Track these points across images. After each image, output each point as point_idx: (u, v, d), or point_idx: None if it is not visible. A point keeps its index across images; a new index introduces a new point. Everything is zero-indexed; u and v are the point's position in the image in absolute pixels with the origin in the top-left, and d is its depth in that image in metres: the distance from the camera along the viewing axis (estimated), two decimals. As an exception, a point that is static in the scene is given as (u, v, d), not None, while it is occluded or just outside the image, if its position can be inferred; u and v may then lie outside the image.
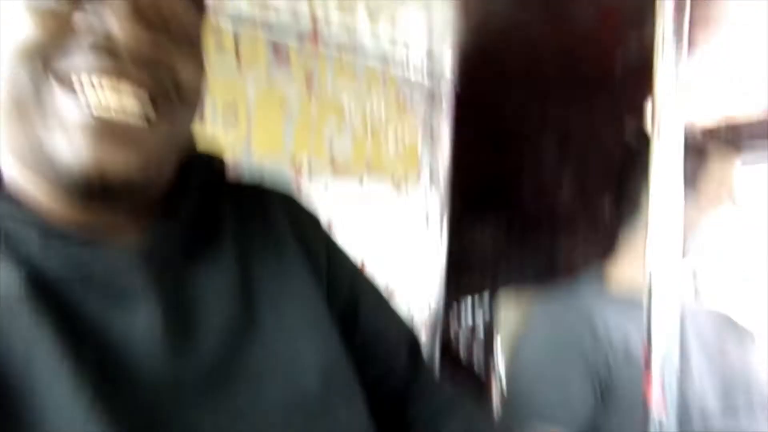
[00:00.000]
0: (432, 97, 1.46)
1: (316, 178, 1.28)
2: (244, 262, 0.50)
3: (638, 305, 0.76)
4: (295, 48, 1.29)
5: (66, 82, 0.37)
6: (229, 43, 1.21)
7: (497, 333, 1.33)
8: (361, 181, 1.34)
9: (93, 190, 0.38)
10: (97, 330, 0.38)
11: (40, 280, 0.37)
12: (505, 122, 1.56)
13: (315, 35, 1.30)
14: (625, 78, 1.50)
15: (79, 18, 0.37)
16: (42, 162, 0.38)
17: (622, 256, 1.18)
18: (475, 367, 1.45)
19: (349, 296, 0.60)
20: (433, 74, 1.46)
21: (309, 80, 1.30)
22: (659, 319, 0.66)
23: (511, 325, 1.33)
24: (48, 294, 0.37)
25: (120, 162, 0.37)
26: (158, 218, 0.45)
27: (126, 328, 0.39)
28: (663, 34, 0.69)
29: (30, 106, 0.37)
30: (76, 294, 0.38)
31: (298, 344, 0.48)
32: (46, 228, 0.39)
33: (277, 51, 1.27)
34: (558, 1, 1.12)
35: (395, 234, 1.38)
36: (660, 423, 0.65)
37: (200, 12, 0.47)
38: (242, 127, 1.21)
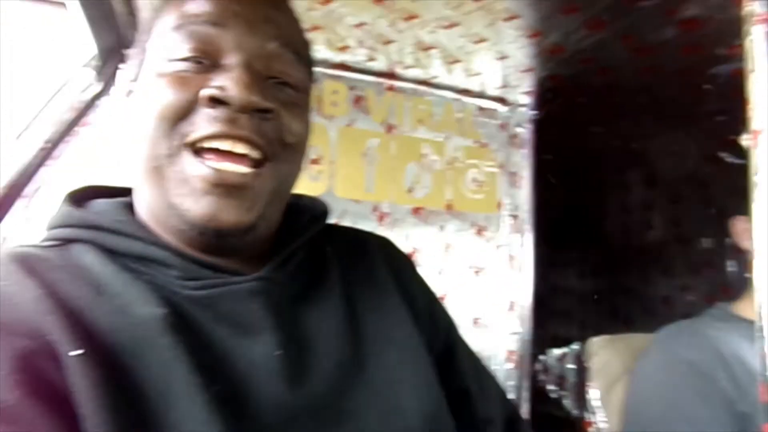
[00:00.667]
0: (509, 129, 1.43)
1: (398, 224, 1.27)
2: (350, 303, 0.52)
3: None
4: (373, 92, 1.31)
5: (192, 147, 0.43)
6: (311, 90, 1.25)
7: (591, 380, 1.25)
8: (442, 227, 1.31)
9: (208, 239, 0.44)
10: (225, 358, 0.42)
11: (177, 314, 0.42)
12: (587, 157, 1.51)
13: (392, 78, 1.32)
14: (715, 109, 1.42)
15: (204, 86, 0.43)
16: (168, 215, 0.44)
17: (748, 293, 1.11)
18: (568, 415, 1.36)
19: (445, 344, 0.61)
20: (509, 103, 1.43)
21: (387, 123, 1.31)
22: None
23: (609, 373, 1.25)
24: (184, 325, 0.42)
25: (231, 214, 0.43)
26: (272, 258, 0.49)
27: (249, 358, 0.42)
28: (754, 64, 0.67)
29: (164, 167, 0.43)
30: (207, 326, 0.43)
31: (402, 388, 0.49)
32: (181, 270, 0.44)
33: (357, 96, 1.30)
34: (641, 32, 1.08)
35: (478, 278, 1.33)
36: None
37: (309, 70, 0.51)
38: (325, 175, 1.23)
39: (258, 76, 0.44)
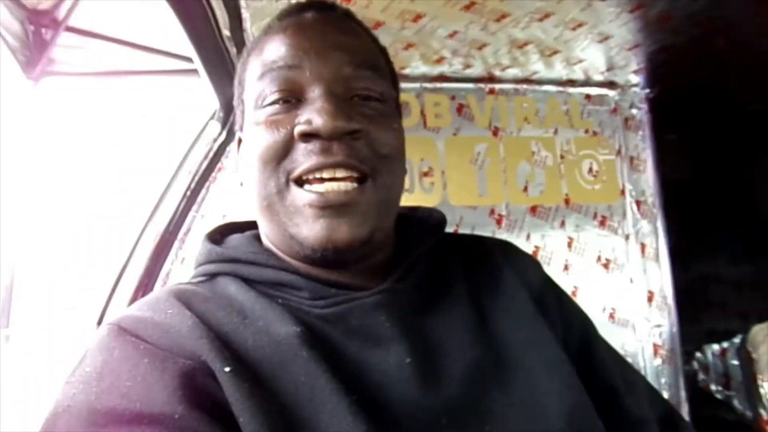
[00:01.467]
0: (622, 113, 1.36)
1: (517, 225, 1.25)
2: (478, 308, 0.53)
3: None
4: (474, 98, 1.32)
5: (297, 180, 0.47)
6: (413, 104, 1.29)
7: (762, 373, 1.13)
8: (563, 222, 1.27)
9: (329, 258, 0.47)
10: (360, 368, 0.44)
11: (311, 331, 0.45)
12: (718, 129, 1.38)
13: (491, 82, 1.32)
14: None
15: (296, 122, 0.47)
16: (290, 244, 0.49)
17: None
18: (741, 416, 1.23)
19: (581, 341, 0.59)
20: (618, 85, 1.36)
21: (493, 127, 1.31)
22: None
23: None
24: (318, 340, 0.44)
25: (344, 232, 0.46)
26: (395, 271, 0.50)
27: (382, 368, 0.44)
28: None
29: (276, 204, 0.48)
30: (339, 340, 0.45)
31: (542, 389, 0.48)
32: (310, 292, 0.48)
33: (459, 105, 1.31)
34: None
35: (609, 271, 1.26)
36: None
37: (391, 79, 0.54)
38: (438, 185, 1.25)
39: (340, 100, 0.47)
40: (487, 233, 1.23)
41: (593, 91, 1.36)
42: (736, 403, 1.29)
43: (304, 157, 0.46)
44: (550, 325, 0.53)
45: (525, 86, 1.35)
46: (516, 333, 0.51)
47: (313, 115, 0.46)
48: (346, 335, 0.45)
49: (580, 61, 1.25)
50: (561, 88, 1.36)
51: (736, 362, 1.29)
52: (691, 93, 1.40)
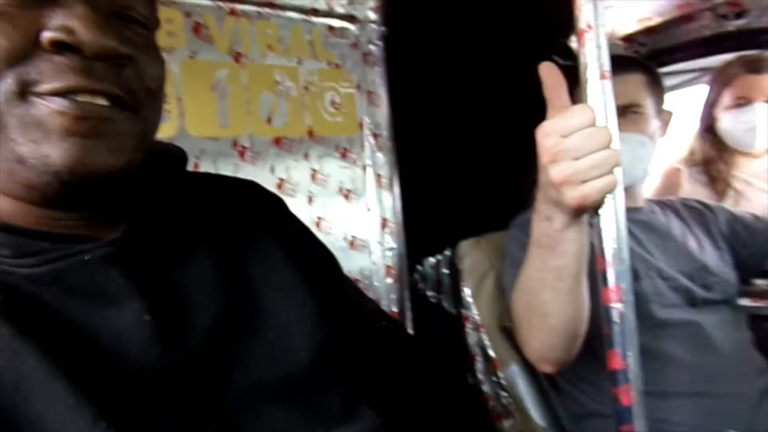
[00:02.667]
0: (361, 47, 1.41)
1: (261, 157, 1.22)
2: (225, 253, 0.50)
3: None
4: (213, 18, 1.21)
5: (41, 92, 0.36)
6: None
7: (463, 280, 1.36)
8: (306, 154, 1.29)
9: (74, 190, 0.38)
10: (85, 335, 0.37)
11: (14, 299, 0.36)
12: (439, 70, 1.54)
13: (233, 1, 1.22)
14: (550, 10, 1.51)
15: (42, 24, 0.37)
16: (21, 174, 0.37)
17: None
18: (447, 313, 1.48)
19: (329, 277, 0.62)
20: (358, 20, 1.40)
21: (234, 52, 1.22)
22: (607, 221, 0.70)
23: (478, 271, 1.37)
24: (25, 310, 0.36)
25: (101, 156, 0.38)
26: (130, 214, 0.44)
27: (115, 331, 0.38)
28: None
29: (4, 119, 0.36)
30: (57, 305, 0.37)
31: (292, 328, 0.49)
32: (13, 248, 0.38)
33: (195, 24, 1.18)
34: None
35: (349, 201, 1.35)
36: (620, 313, 0.69)
37: (154, 3, 0.46)
38: (174, 114, 1.12)
39: (102, 11, 0.38)
40: (229, 166, 1.18)
41: (336, 23, 1.37)
42: (445, 304, 1.54)
43: (55, 73, 0.36)
44: (297, 266, 0.54)
45: (268, 10, 1.28)
46: (265, 277, 0.51)
47: (74, 23, 0.36)
48: (67, 298, 0.38)
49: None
50: (305, 17, 1.33)
51: (446, 271, 1.53)
52: (419, 35, 1.52)
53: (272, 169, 1.23)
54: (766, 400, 1.06)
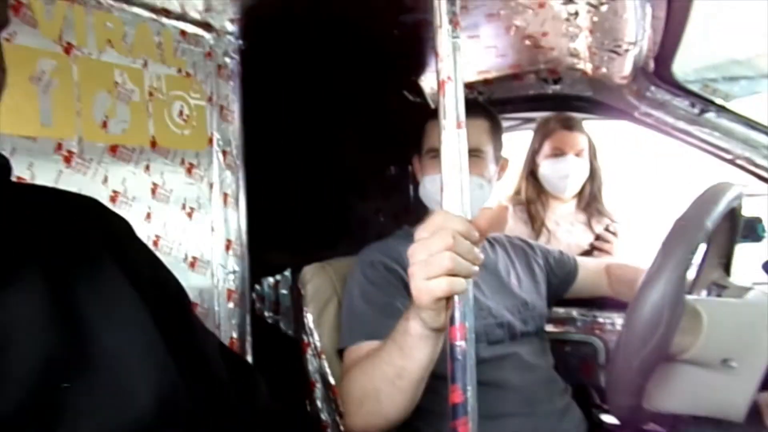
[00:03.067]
0: (216, 59, 1.34)
1: (92, 165, 1.08)
2: (58, 283, 0.44)
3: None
4: (40, 1, 1.04)
5: None
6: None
7: (306, 306, 1.35)
8: (147, 166, 1.17)
9: None
10: None
11: None
12: (294, 91, 1.53)
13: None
14: (405, 49, 1.60)
15: None
16: None
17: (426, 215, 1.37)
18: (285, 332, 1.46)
19: (177, 310, 0.57)
20: (214, 29, 1.33)
21: (65, 42, 1.07)
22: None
23: (321, 298, 1.37)
24: None
25: None
26: None
27: None
28: (441, 21, 0.79)
29: None
30: None
31: (132, 370, 0.44)
32: None
33: (16, 2, 1.01)
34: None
35: (192, 219, 1.26)
36: (462, 350, 0.75)
37: None
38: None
39: None
40: (50, 172, 1.02)
41: (189, 28, 1.28)
42: (282, 325, 1.51)
43: None
44: (142, 299, 0.49)
45: (110, 1, 1.15)
46: (106, 313, 0.45)
47: None
48: None
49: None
50: (154, 16, 1.22)
51: (285, 292, 1.51)
52: (276, 53, 1.49)
53: (105, 180, 1.09)
54: (567, 416, 1.22)
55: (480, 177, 1.27)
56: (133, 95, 1.17)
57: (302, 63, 1.54)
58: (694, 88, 1.52)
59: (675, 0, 1.16)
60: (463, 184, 0.78)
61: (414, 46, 1.56)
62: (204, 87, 1.31)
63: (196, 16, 1.27)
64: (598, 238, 1.89)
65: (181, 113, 1.25)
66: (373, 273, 1.23)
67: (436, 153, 1.30)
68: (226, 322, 1.28)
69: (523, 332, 1.27)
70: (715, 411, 0.98)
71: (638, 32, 1.26)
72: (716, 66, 1.76)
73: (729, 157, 1.51)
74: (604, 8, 1.17)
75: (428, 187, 1.33)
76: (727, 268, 1.26)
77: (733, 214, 1.11)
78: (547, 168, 1.86)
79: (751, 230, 1.50)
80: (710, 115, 1.50)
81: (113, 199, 1.08)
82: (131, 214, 1.13)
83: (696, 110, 1.51)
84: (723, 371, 0.95)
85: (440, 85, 0.80)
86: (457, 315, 0.77)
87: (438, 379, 0.94)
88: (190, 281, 1.20)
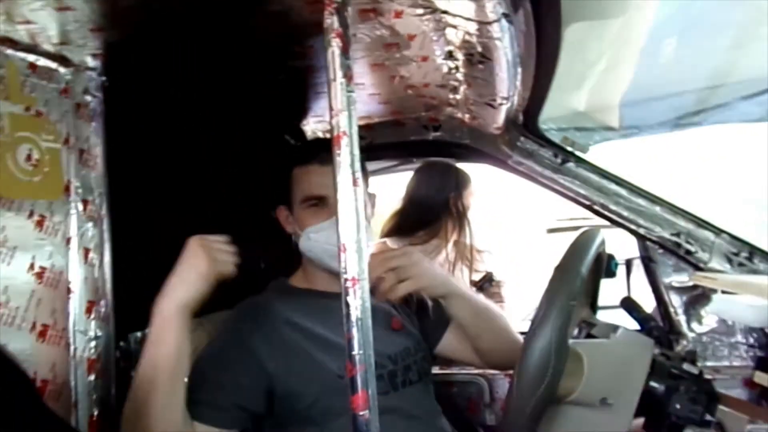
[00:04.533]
0: (73, 96, 1.19)
1: None
2: None
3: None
4: None
5: None
6: None
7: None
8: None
9: None
10: None
11: None
12: (161, 133, 1.41)
13: None
14: (289, 93, 1.56)
15: None
16: None
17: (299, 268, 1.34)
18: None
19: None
20: (72, 64, 1.18)
21: None
22: (352, 324, 0.74)
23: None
24: None
25: None
26: None
27: None
28: (335, 74, 0.77)
29: None
30: None
31: None
32: None
33: None
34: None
35: (44, 281, 1.08)
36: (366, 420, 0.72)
37: None
38: None
39: None
40: None
41: (41, 62, 1.13)
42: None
43: None
44: None
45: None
46: None
47: None
48: None
49: (28, 22, 1.01)
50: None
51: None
52: (141, 91, 1.37)
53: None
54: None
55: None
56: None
57: (175, 103, 1.43)
58: (556, 139, 1.67)
59: (542, 62, 1.27)
60: (361, 245, 0.76)
61: (298, 91, 1.53)
62: (59, 127, 1.15)
63: (49, 48, 1.12)
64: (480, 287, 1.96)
65: (29, 158, 1.08)
66: (231, 341, 1.21)
67: (315, 200, 1.26)
68: (85, 399, 1.10)
69: (405, 381, 1.24)
70: (598, 446, 1.03)
71: (510, 88, 1.35)
72: (568, 117, 1.95)
73: (587, 203, 1.66)
74: (481, 66, 1.24)
75: (314, 238, 1.27)
76: (593, 306, 1.36)
77: (599, 258, 1.21)
78: None
79: (606, 267, 1.65)
80: (570, 165, 1.65)
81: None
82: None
83: (558, 160, 1.66)
84: (601, 409, 1.01)
85: (335, 140, 0.78)
86: (359, 381, 0.73)
87: None
88: (41, 355, 1.02)
